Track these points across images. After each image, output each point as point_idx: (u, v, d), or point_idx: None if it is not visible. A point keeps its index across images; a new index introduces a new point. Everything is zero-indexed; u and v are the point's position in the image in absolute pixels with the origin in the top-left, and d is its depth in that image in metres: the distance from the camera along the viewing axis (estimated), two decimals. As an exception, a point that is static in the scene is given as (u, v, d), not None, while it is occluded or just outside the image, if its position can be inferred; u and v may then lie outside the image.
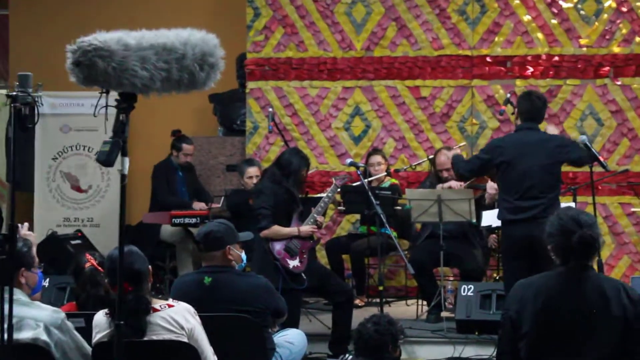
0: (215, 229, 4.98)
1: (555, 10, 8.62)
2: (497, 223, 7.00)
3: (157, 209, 8.74)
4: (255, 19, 8.97)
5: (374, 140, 8.86)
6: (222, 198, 8.48)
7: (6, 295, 3.70)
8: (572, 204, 7.10)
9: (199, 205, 8.71)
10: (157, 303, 4.14)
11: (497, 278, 7.83)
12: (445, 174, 7.66)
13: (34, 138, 9.30)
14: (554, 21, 8.62)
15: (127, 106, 3.36)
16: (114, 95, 3.35)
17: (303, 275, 6.61)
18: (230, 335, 4.62)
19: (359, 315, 5.07)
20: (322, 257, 8.22)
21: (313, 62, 8.93)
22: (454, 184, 7.54)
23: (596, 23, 8.58)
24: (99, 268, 4.70)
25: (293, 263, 6.61)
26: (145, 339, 4.05)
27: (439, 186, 7.62)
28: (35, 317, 4.02)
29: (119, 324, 3.52)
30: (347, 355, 6.57)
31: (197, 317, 4.23)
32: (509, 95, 7.22)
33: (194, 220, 8.34)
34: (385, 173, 8.12)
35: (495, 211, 6.81)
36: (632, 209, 8.47)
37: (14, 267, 3.91)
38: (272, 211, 6.61)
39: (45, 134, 9.43)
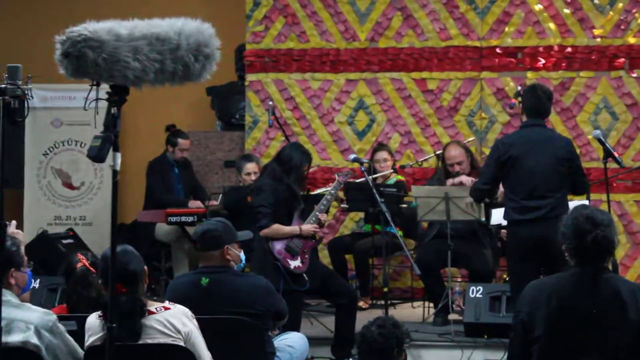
0: (213, 228, 4.99)
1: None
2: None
3: (152, 206, 8.74)
4: (255, 8, 8.97)
5: (379, 135, 8.85)
6: (220, 195, 8.48)
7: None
8: (586, 202, 7.02)
9: (195, 204, 8.71)
10: (152, 305, 4.16)
11: (507, 279, 7.71)
12: (456, 168, 7.58)
13: (23, 132, 9.28)
14: (567, 10, 8.59)
15: (119, 99, 3.36)
16: (105, 87, 3.35)
17: (305, 276, 6.60)
18: (229, 338, 4.64)
19: (363, 318, 5.01)
20: (324, 257, 8.17)
21: (315, 53, 8.90)
22: (464, 178, 7.46)
23: (611, 12, 8.55)
24: (92, 268, 4.72)
25: (294, 263, 6.60)
26: (140, 342, 4.08)
27: (449, 181, 7.54)
28: (26, 320, 4.02)
29: (111, 327, 3.48)
30: (350, 359, 6.54)
31: (194, 321, 4.25)
32: (519, 88, 7.34)
33: (190, 219, 8.33)
34: (392, 170, 8.13)
35: (506, 208, 6.86)
36: (648, 207, 8.48)
37: (3, 268, 3.92)
38: (272, 209, 6.60)
39: (35, 129, 9.39)
